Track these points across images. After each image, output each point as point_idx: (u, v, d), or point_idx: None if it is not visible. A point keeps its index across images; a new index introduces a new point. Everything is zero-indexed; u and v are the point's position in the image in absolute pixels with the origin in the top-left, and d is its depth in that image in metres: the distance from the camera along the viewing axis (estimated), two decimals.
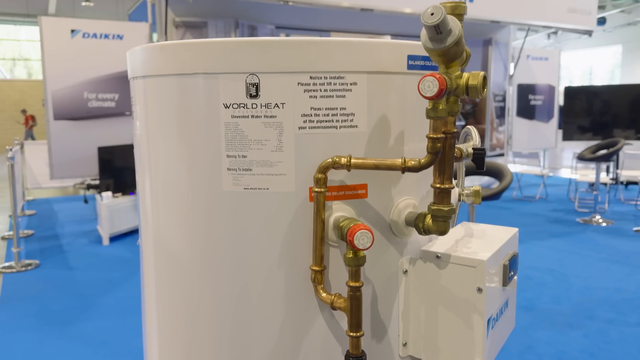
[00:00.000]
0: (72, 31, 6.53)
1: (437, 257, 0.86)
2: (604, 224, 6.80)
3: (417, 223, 0.85)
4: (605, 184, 8.49)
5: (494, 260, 0.86)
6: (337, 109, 0.80)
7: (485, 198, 4.09)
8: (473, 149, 0.94)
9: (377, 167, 0.79)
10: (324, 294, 0.81)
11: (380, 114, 0.84)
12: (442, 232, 0.82)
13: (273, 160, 0.81)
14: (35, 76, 21.64)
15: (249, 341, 0.84)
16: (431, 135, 0.77)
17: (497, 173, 4.34)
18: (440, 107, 0.73)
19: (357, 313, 0.77)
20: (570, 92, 9.59)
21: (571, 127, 9.59)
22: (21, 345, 3.63)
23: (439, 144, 0.76)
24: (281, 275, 0.83)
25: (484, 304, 0.83)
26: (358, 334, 0.77)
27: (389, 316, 0.89)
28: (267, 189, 0.82)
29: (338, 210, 0.83)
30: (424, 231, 0.83)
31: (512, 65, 9.44)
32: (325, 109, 0.80)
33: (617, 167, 8.74)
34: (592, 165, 8.53)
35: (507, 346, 3.50)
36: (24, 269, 5.25)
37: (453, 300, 0.85)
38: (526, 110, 9.88)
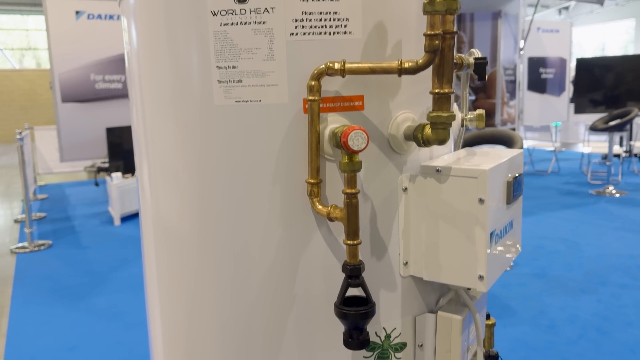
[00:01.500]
0: (77, 12, 6.51)
1: (438, 170, 0.84)
2: (618, 195, 6.71)
3: (415, 134, 0.82)
4: (618, 156, 8.38)
5: (496, 173, 0.83)
6: (330, 13, 0.77)
7: None
8: (474, 58, 0.91)
9: (372, 71, 0.76)
10: (320, 207, 0.79)
11: (377, 20, 0.80)
12: (442, 140, 0.80)
13: (264, 70, 0.78)
14: (44, 65, 21.72)
15: (247, 260, 0.82)
16: (428, 32, 0.74)
17: (507, 140, 4.27)
18: (438, 1, 0.70)
19: (354, 220, 0.75)
20: (581, 64, 9.42)
21: (583, 101, 9.43)
22: (35, 318, 3.67)
23: (436, 42, 0.73)
24: (277, 190, 0.81)
25: (486, 216, 0.80)
26: (355, 242, 0.75)
27: (388, 234, 0.87)
28: (260, 101, 0.79)
29: (333, 122, 0.80)
30: (423, 142, 0.81)
31: (522, 38, 9.29)
32: (318, 13, 0.77)
33: (630, 138, 8.60)
34: (605, 137, 8.41)
35: (518, 311, 3.47)
36: (36, 248, 5.30)
37: (454, 214, 0.83)
38: (537, 84, 9.73)
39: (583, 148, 9.02)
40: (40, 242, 5.48)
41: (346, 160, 0.73)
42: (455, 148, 1.06)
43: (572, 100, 9.86)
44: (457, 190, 0.82)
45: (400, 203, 0.87)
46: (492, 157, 0.88)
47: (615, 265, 4.24)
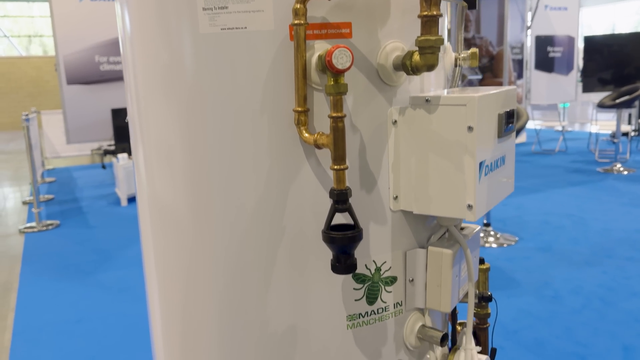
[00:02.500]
0: None
1: (427, 101, 0.83)
2: (625, 172, 6.66)
3: (404, 62, 0.81)
4: (626, 134, 8.29)
5: (486, 103, 0.83)
6: None
7: None
8: None
9: None
10: (306, 135, 0.79)
11: None
12: (431, 65, 0.79)
13: None
14: (51, 52, 21.72)
15: (236, 193, 0.82)
16: None
17: None
18: None
19: (340, 145, 0.74)
20: (590, 42, 9.30)
21: (591, 80, 9.32)
22: (43, 293, 3.71)
23: None
24: (264, 121, 0.80)
25: (475, 144, 0.80)
26: (342, 166, 0.75)
27: (378, 168, 0.87)
28: (245, 27, 0.79)
29: (320, 50, 0.80)
30: (412, 69, 0.80)
31: (529, 17, 9.17)
32: None
33: (639, 116, 8.51)
34: (613, 115, 8.32)
35: (522, 282, 3.47)
36: (44, 228, 5.35)
37: (444, 144, 0.82)
38: (545, 63, 9.62)
39: (591, 127, 8.94)
40: (48, 222, 5.53)
41: (332, 83, 0.73)
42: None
43: (581, 74, 9.71)
44: (446, 119, 0.82)
45: (390, 136, 0.87)
46: (483, 90, 0.87)
47: (621, 239, 4.22)
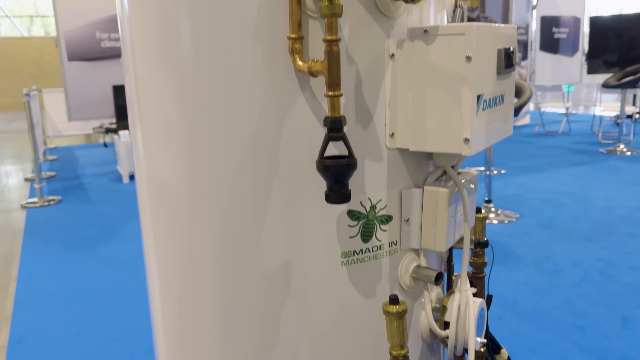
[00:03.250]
0: None
1: (425, 31, 0.81)
2: (629, 153, 6.62)
3: None
4: (630, 117, 8.24)
5: (485, 34, 0.81)
6: None
7: None
8: None
9: None
10: (300, 63, 0.77)
11: None
12: None
13: None
14: (53, 33, 21.61)
15: (231, 124, 0.81)
16: None
17: (515, 90, 4.20)
18: None
19: (335, 70, 0.73)
20: (595, 23, 9.19)
21: (596, 61, 9.24)
22: (46, 263, 3.73)
23: None
24: (258, 50, 0.79)
25: (473, 75, 0.78)
26: (336, 93, 0.73)
27: (374, 103, 0.86)
28: None
29: None
30: None
31: None
32: None
33: None
34: (617, 97, 8.26)
35: (522, 256, 3.47)
36: (46, 203, 5.37)
37: (442, 76, 0.81)
38: (550, 44, 9.53)
39: (595, 110, 8.88)
40: (50, 197, 5.55)
41: (326, 3, 0.71)
42: None
43: (586, 57, 9.63)
44: (444, 50, 0.80)
45: (387, 70, 0.86)
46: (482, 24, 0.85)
47: (622, 216, 4.21)
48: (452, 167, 0.94)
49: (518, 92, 4.21)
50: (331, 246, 0.87)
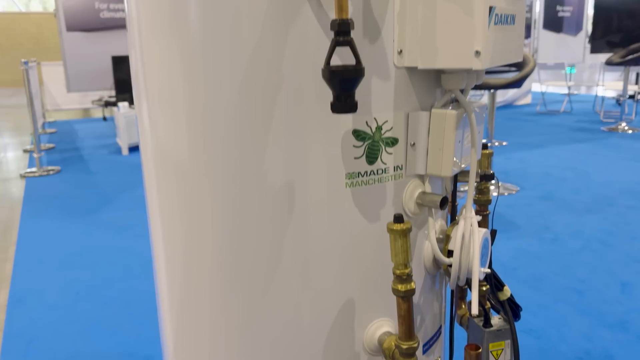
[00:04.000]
0: None
1: None
2: (630, 131, 6.60)
3: None
4: (632, 96, 8.19)
5: None
6: None
7: (508, 85, 3.95)
8: None
9: None
10: None
11: None
12: None
13: None
14: (51, 9, 21.37)
15: (233, 40, 0.79)
16: None
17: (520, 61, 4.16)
18: None
19: None
20: (600, 2, 9.09)
21: (600, 41, 9.15)
22: (45, 229, 3.73)
23: None
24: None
25: None
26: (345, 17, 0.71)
27: (382, 17, 0.83)
28: None
29: None
30: None
31: None
32: None
33: None
34: (620, 75, 8.21)
35: (522, 225, 3.47)
36: (45, 173, 5.35)
37: None
38: (553, 23, 9.43)
39: (597, 89, 8.83)
40: (49, 167, 5.53)
41: None
42: None
43: (590, 38, 9.54)
44: None
45: None
46: None
47: (623, 189, 4.20)
48: (461, 92, 0.92)
49: (522, 63, 4.17)
50: (335, 166, 0.86)
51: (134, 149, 6.31)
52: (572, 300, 2.50)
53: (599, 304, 2.45)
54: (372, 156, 0.87)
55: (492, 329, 1.13)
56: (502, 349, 1.16)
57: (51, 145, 6.85)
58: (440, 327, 1.12)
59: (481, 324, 1.16)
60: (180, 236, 0.93)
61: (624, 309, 2.41)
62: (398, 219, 0.82)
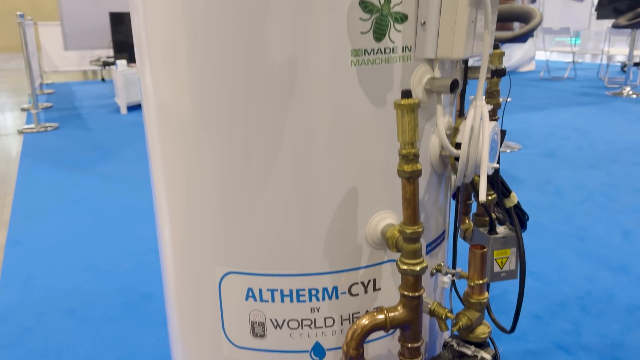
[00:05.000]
0: None
1: None
2: (634, 96, 6.52)
3: None
4: (637, 64, 8.08)
5: None
6: None
7: (513, 39, 3.87)
8: None
9: None
10: None
11: None
12: None
13: None
14: None
15: None
16: None
17: (524, 15, 4.07)
18: None
19: None
20: None
21: (606, 8, 8.99)
22: (43, 179, 3.70)
23: None
24: None
25: None
26: None
27: None
28: None
29: None
30: None
31: None
32: None
33: None
34: (627, 39, 8.10)
35: (524, 179, 3.44)
36: (43, 129, 5.30)
37: None
38: None
39: (602, 58, 8.71)
40: (47, 124, 5.48)
41: None
42: None
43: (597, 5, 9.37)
44: None
45: None
46: None
47: (626, 147, 4.16)
48: None
49: (528, 17, 4.09)
50: (340, 42, 0.81)
51: (133, 108, 6.24)
52: (574, 246, 2.48)
53: (600, 249, 2.44)
54: (379, 32, 0.83)
55: (497, 235, 1.11)
56: (507, 257, 1.13)
57: (49, 104, 6.78)
58: (444, 232, 1.09)
59: (486, 232, 1.14)
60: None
61: (625, 254, 2.39)
62: (406, 93, 0.78)
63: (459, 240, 2.19)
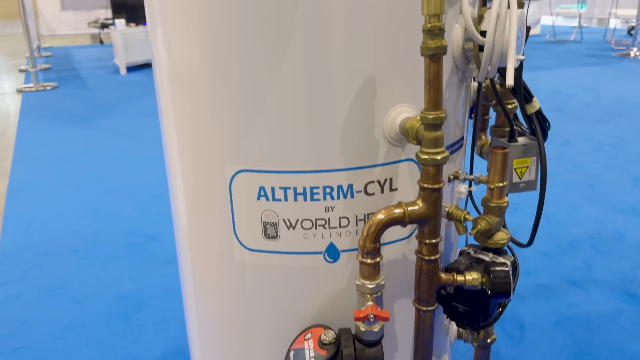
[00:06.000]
0: None
1: None
2: None
3: None
4: None
5: None
6: None
7: None
8: None
9: None
10: None
11: None
12: None
13: None
14: None
15: None
16: None
17: None
18: None
19: None
20: None
21: None
22: (43, 133, 3.65)
23: None
24: None
25: None
26: None
27: None
28: None
29: None
30: None
31: None
32: None
33: None
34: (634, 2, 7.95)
35: None
36: (42, 88, 5.22)
37: None
38: None
39: (609, 22, 8.55)
40: (46, 83, 5.40)
41: None
42: None
43: None
44: None
45: None
46: None
47: (635, 103, 4.09)
48: None
49: None
50: None
51: (132, 68, 6.15)
52: (583, 191, 2.45)
53: (610, 194, 2.40)
54: None
55: (517, 143, 1.06)
56: (527, 167, 1.10)
57: (47, 66, 6.69)
58: (462, 139, 1.05)
59: (505, 141, 1.09)
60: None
61: (636, 198, 2.36)
62: None
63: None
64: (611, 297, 1.64)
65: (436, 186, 0.83)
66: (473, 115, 1.19)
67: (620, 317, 1.54)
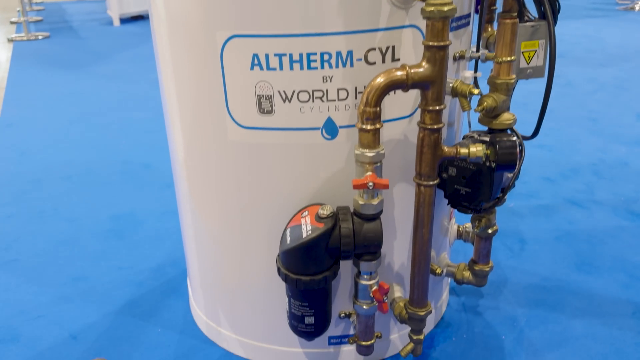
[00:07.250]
0: None
1: None
2: None
3: None
4: None
5: None
6: None
7: None
8: None
9: None
10: None
11: None
12: None
13: None
14: None
15: None
16: None
17: None
18: None
19: None
20: None
21: None
22: (36, 78, 3.57)
23: None
24: None
25: None
26: None
27: None
28: None
29: None
30: None
31: None
32: None
33: None
34: None
35: None
36: (34, 38, 5.10)
37: None
38: None
39: None
40: (38, 33, 5.27)
41: None
42: None
43: None
44: None
45: None
46: None
47: (639, 50, 4.01)
48: None
49: None
50: None
51: (126, 20, 6.01)
52: (586, 125, 2.40)
53: (613, 128, 2.36)
54: None
55: (526, 24, 1.01)
56: (535, 51, 1.04)
57: (39, 18, 6.53)
58: (469, 15, 1.00)
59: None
60: None
61: (638, 131, 2.31)
62: None
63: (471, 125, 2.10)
64: (614, 216, 1.61)
65: (442, 44, 0.78)
66: (479, 8, 1.13)
67: (623, 233, 1.51)
